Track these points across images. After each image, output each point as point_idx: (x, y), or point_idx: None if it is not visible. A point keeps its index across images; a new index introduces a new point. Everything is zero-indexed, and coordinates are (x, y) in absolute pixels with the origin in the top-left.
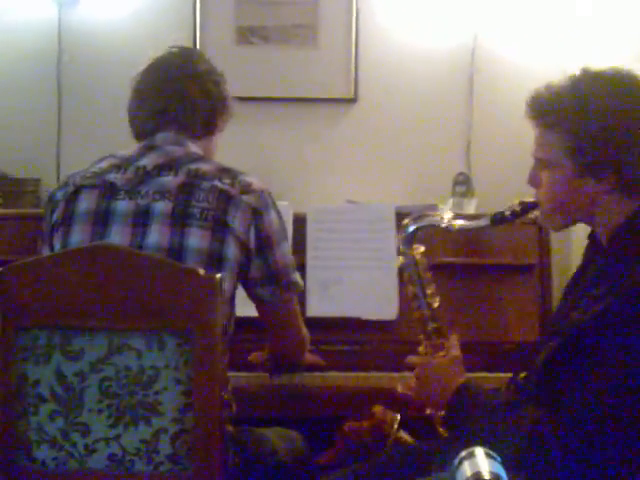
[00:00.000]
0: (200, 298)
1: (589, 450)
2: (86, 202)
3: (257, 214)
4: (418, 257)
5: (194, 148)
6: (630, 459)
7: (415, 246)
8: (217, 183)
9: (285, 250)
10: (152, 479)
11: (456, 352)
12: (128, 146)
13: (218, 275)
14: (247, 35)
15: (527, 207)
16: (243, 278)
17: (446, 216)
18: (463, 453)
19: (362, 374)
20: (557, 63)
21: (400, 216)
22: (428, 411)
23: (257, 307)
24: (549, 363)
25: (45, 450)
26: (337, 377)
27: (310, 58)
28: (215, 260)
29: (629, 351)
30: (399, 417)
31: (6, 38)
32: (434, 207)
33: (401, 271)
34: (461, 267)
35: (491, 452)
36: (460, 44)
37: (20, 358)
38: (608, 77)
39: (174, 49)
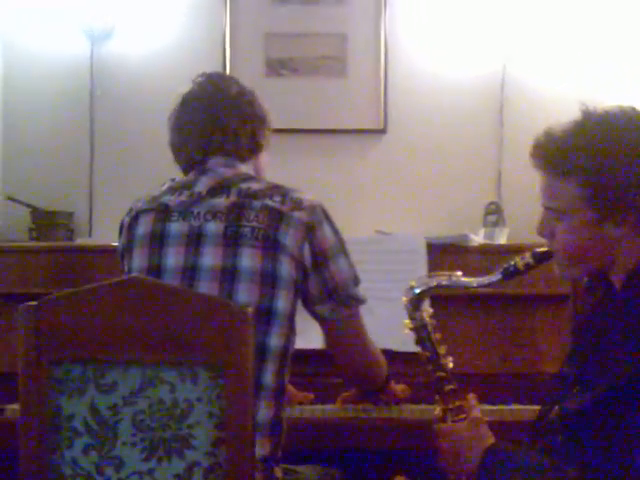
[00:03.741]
0: (232, 330)
1: None
2: (144, 226)
3: (310, 230)
4: (427, 319)
5: (244, 169)
6: None
7: (424, 308)
8: (268, 201)
9: (342, 264)
10: None
11: (477, 414)
12: (160, 180)
13: (250, 308)
14: (276, 67)
15: (540, 258)
16: (303, 297)
17: (454, 276)
18: None
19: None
20: (587, 91)
21: (430, 246)
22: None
23: (320, 326)
24: (587, 416)
25: None
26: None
27: (339, 89)
28: (269, 279)
29: None
30: None
31: (39, 72)
32: (466, 237)
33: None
34: (494, 297)
35: None
36: (490, 73)
37: (54, 391)
38: (613, 116)
39: (200, 79)
